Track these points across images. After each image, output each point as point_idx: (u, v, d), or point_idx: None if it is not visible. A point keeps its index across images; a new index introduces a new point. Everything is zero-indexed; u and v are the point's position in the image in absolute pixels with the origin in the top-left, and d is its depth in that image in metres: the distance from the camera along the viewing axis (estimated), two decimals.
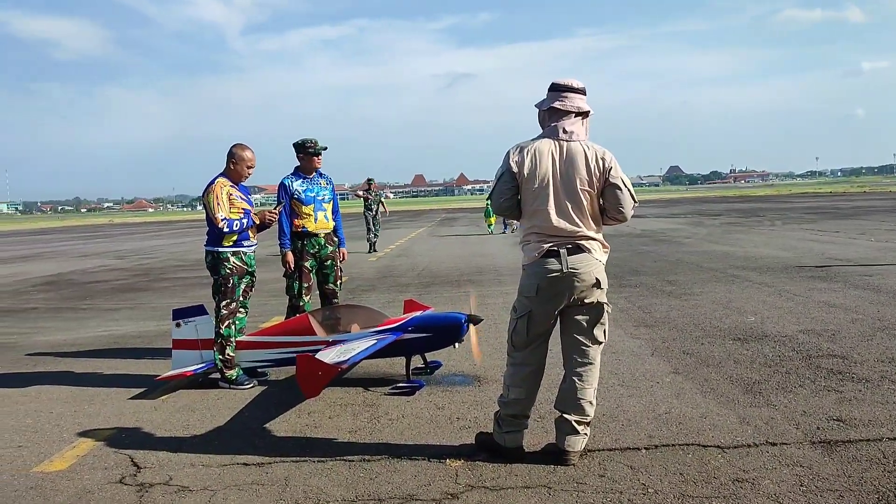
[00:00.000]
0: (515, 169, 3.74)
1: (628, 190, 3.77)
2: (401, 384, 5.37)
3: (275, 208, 6.07)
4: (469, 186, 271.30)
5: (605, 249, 3.83)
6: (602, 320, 3.82)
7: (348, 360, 4.68)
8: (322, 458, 4.07)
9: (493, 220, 27.15)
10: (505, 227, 26.40)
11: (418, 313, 5.85)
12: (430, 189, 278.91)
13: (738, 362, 5.78)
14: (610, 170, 3.72)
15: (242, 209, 5.78)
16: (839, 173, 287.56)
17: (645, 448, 4.01)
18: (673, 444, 4.03)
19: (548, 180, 3.70)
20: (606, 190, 3.75)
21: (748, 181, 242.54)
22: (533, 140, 3.80)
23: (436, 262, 16.22)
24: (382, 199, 20.46)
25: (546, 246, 3.71)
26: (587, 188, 3.71)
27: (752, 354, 6.01)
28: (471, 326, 5.27)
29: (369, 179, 20.69)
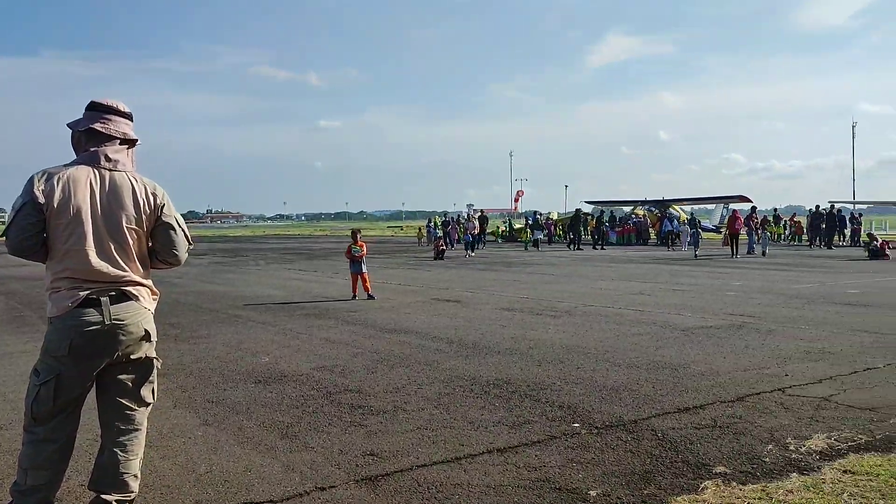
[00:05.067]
0: (42, 200, 3.04)
1: (182, 230, 3.40)
2: None
3: None
4: None
5: (155, 296, 3.37)
6: (151, 378, 3.34)
7: None
8: None
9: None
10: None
11: None
12: None
13: (267, 406, 5.72)
14: (162, 207, 3.30)
15: None
16: (303, 217, 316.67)
17: None
18: None
19: (86, 215, 3.10)
20: (158, 229, 3.31)
21: (224, 221, 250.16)
22: (66, 166, 3.15)
23: None
24: None
25: (83, 293, 3.09)
26: (134, 226, 3.22)
27: (278, 396, 6.02)
28: None
29: None
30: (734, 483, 3.94)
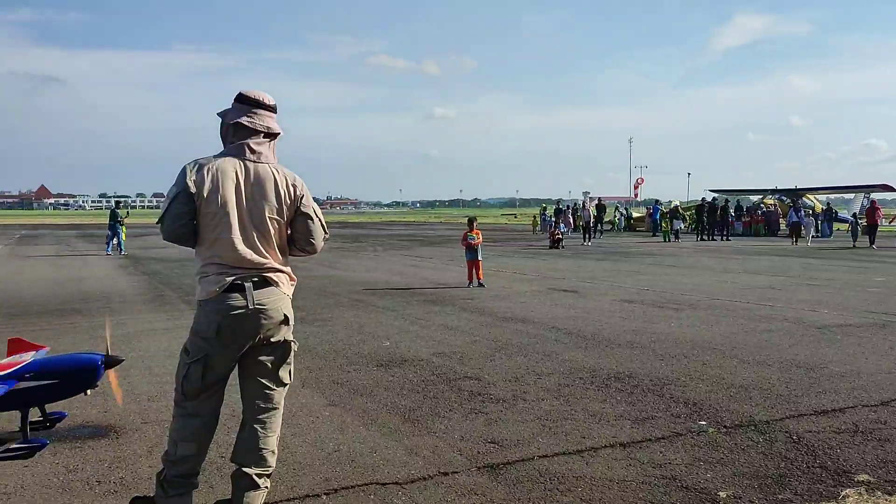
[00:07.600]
0: (193, 189, 3.23)
1: (319, 220, 3.54)
2: (14, 445, 4.30)
3: None
4: (52, 200, 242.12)
5: (293, 282, 3.53)
6: (289, 360, 3.50)
7: None
8: None
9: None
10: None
11: (34, 355, 4.79)
12: (1, 201, 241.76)
13: (389, 389, 5.87)
14: (301, 198, 3.44)
15: None
16: (418, 204, 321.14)
17: (325, 493, 3.77)
18: (352, 486, 3.86)
19: (232, 205, 3.28)
20: (297, 219, 3.46)
21: (343, 208, 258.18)
22: (215, 157, 3.34)
23: (23, 286, 13.86)
24: None
25: (229, 279, 3.27)
26: (276, 216, 3.37)
27: (399, 380, 6.17)
28: (109, 371, 4.46)
29: None
30: (879, 493, 3.71)
